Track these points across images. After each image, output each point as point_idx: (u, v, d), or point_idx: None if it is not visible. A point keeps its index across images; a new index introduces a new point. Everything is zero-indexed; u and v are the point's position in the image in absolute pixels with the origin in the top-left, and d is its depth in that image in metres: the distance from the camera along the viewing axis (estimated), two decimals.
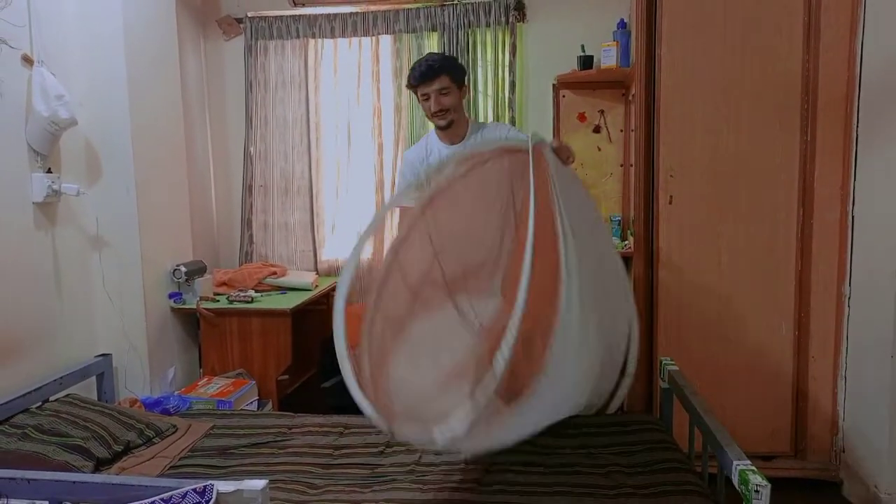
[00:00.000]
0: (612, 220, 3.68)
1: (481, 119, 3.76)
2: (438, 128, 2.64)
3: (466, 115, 2.79)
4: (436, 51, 3.70)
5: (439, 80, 2.51)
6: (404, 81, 3.85)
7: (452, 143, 2.66)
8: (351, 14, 3.85)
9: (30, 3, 2.61)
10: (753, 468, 1.65)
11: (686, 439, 2.29)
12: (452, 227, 2.14)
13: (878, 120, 2.58)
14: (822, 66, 2.72)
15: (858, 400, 2.72)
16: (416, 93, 2.61)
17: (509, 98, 3.75)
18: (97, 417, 2.41)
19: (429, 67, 2.51)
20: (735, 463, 1.69)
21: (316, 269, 4.00)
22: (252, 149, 4.01)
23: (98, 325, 3.02)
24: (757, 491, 1.59)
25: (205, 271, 3.48)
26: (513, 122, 3.73)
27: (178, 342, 3.39)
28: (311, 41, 3.94)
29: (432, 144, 2.72)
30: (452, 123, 2.59)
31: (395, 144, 3.89)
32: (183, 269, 3.28)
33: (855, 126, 2.70)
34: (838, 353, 2.81)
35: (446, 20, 3.76)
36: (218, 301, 3.41)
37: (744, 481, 1.63)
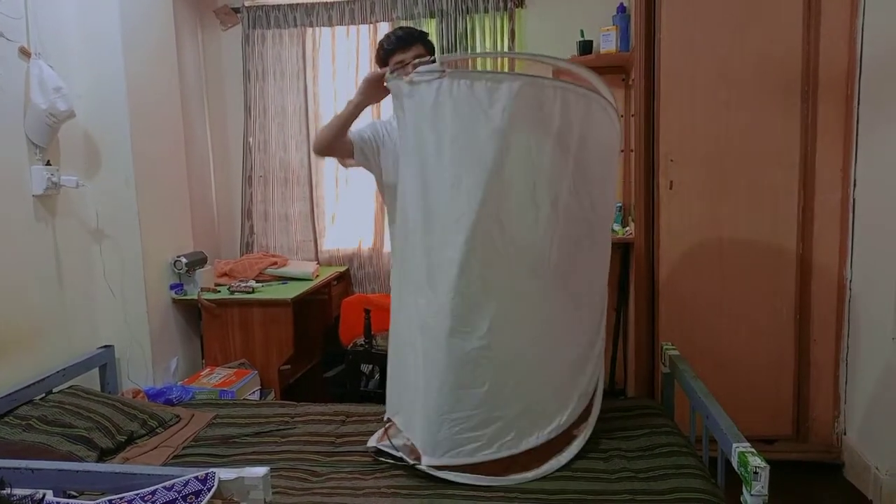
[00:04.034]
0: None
1: None
2: None
3: None
4: (431, 36, 3.63)
5: (416, 48, 2.36)
6: None
7: None
8: (348, 2, 3.83)
9: None
10: (753, 450, 1.66)
11: (687, 423, 2.29)
12: None
13: (880, 102, 2.56)
14: (823, 48, 2.70)
15: (860, 382, 2.72)
16: (388, 64, 2.38)
17: None
18: (100, 408, 2.43)
19: (407, 33, 2.38)
20: (734, 445, 1.69)
21: (317, 259, 4.00)
22: (251, 139, 4.01)
23: (100, 317, 3.02)
24: (756, 473, 1.59)
25: (205, 262, 3.49)
26: None
27: (180, 333, 3.40)
28: (309, 30, 3.92)
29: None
30: None
31: None
32: (184, 260, 3.29)
33: (856, 108, 2.68)
34: (839, 335, 2.81)
35: (444, 6, 3.73)
36: (219, 292, 3.42)
37: (743, 463, 1.63)
